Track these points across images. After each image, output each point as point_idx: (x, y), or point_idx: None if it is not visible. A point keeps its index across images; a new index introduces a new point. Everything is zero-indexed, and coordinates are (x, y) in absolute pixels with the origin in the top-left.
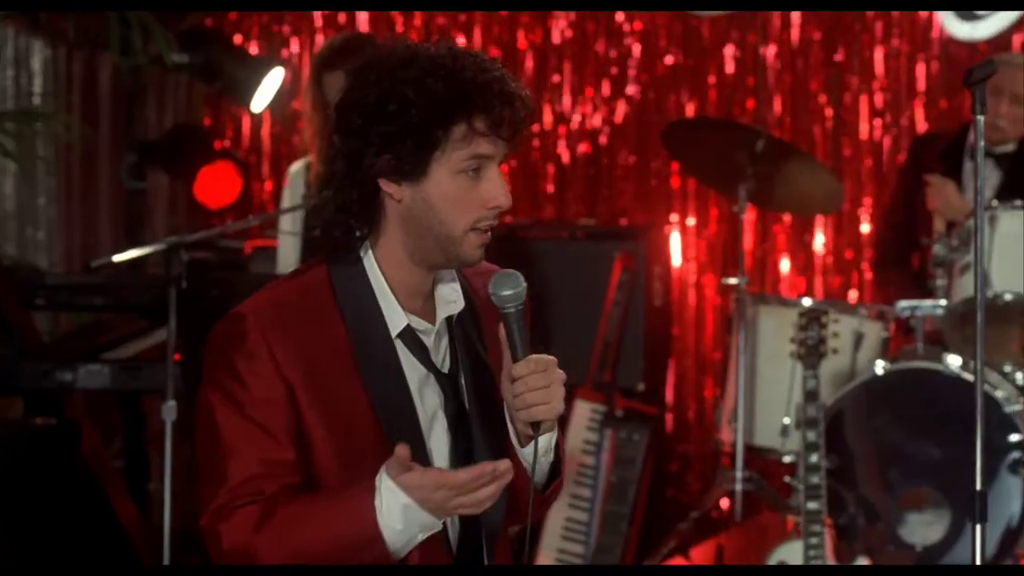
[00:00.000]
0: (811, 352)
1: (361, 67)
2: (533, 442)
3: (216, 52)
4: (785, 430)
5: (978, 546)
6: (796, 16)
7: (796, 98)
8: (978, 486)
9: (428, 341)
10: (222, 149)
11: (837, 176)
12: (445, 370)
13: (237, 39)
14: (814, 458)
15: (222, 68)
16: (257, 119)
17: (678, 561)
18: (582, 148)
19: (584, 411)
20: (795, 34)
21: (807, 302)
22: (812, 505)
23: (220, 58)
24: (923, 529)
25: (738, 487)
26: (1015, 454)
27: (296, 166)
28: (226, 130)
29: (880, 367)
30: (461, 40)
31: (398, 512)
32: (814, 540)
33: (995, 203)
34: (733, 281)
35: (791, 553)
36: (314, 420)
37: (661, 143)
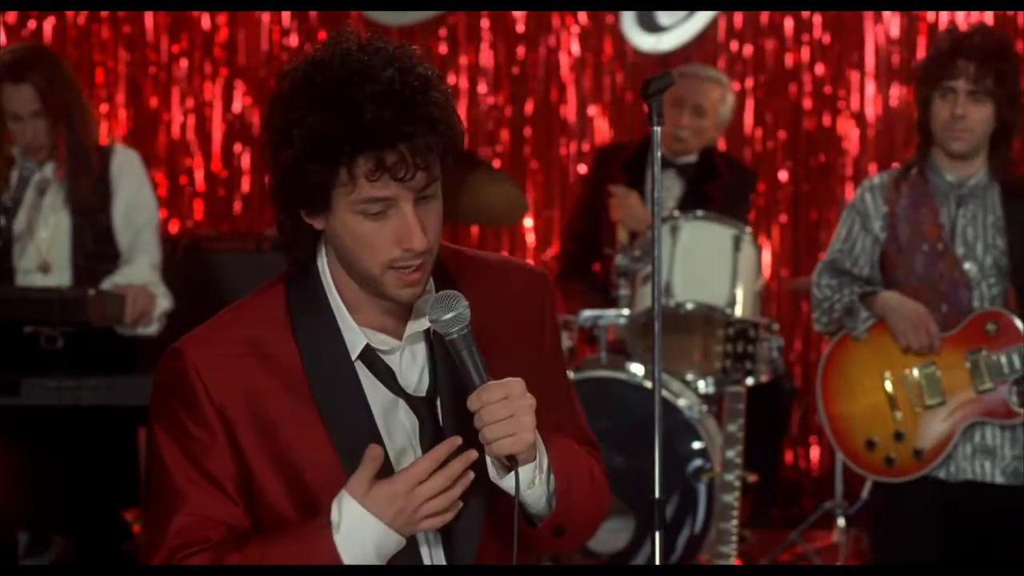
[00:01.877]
0: None
1: (279, 78)
2: (513, 475)
3: None
4: None
5: (658, 553)
6: (485, 25)
7: (480, 108)
8: (657, 494)
9: (394, 361)
10: None
11: (521, 187)
12: (421, 392)
13: None
14: None
15: None
16: None
17: None
18: None
19: None
20: (484, 46)
21: None
22: None
23: None
24: (607, 537)
25: None
26: (697, 462)
27: None
28: None
29: None
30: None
31: (370, 541)
32: None
33: (676, 213)
34: None
35: None
36: (259, 461)
37: None
